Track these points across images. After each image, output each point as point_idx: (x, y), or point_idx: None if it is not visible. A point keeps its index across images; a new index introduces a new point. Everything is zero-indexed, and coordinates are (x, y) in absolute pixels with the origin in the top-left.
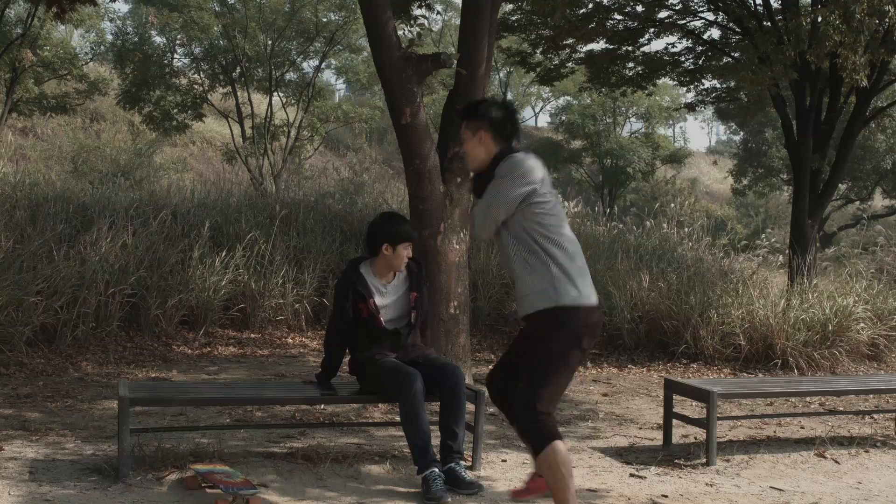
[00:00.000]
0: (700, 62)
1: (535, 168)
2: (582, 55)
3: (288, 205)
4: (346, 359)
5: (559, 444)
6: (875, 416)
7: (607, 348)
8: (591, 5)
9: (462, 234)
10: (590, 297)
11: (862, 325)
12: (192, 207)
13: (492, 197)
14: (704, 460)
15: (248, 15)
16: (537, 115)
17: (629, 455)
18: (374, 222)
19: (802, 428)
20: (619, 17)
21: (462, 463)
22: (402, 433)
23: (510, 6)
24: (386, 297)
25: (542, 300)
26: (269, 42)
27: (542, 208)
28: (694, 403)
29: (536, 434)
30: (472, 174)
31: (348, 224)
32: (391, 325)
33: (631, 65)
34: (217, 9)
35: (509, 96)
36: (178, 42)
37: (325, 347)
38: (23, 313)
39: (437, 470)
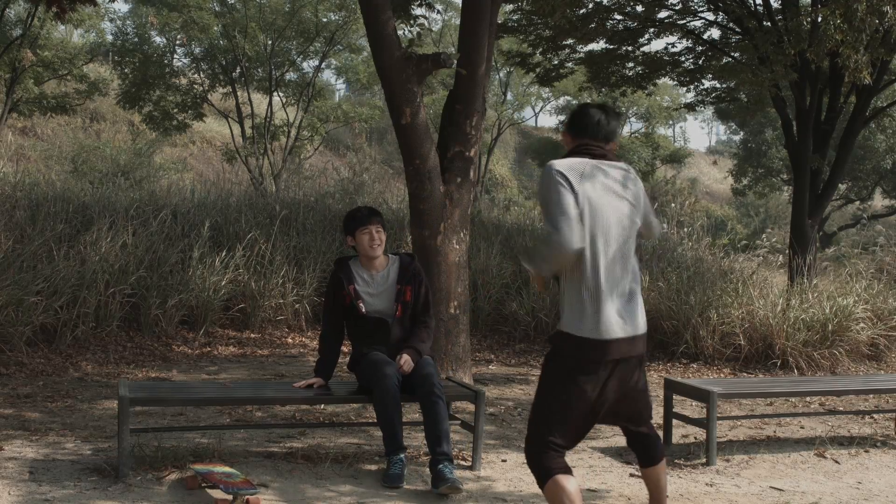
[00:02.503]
0: (700, 62)
1: (565, 170)
2: (582, 55)
3: (288, 205)
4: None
5: (560, 479)
6: (875, 416)
7: None
8: (591, 5)
9: (462, 234)
10: (605, 329)
11: (862, 325)
12: (192, 207)
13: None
14: (704, 460)
15: (248, 15)
16: (537, 115)
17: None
18: None
19: (802, 428)
20: (619, 17)
21: (449, 465)
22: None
23: (510, 6)
24: (371, 286)
25: (564, 322)
26: (269, 42)
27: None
28: (694, 403)
29: (536, 468)
30: None
31: None
32: (375, 314)
33: (631, 65)
34: (217, 9)
35: (509, 96)
36: (178, 42)
37: (320, 337)
38: (23, 313)
39: (399, 455)
